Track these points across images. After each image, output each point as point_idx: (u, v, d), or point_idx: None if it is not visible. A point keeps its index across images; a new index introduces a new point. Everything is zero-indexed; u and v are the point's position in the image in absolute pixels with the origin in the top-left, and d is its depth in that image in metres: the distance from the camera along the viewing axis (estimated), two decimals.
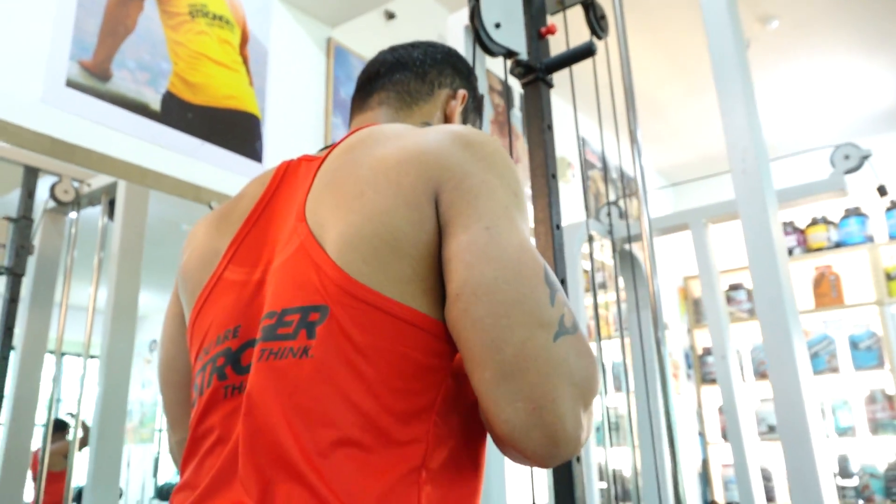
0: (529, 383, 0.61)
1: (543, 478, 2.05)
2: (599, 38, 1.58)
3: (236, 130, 2.09)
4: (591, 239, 2.49)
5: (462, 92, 0.96)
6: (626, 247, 2.59)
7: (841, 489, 4.23)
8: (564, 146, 3.71)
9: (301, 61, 2.38)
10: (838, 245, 4.50)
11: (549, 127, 1.32)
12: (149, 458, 2.57)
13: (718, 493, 4.59)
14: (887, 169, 4.60)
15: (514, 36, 1.28)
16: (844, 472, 4.25)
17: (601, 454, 2.81)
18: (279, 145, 2.23)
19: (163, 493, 2.58)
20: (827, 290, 4.48)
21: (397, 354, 0.66)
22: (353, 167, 0.74)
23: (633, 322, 2.68)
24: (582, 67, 1.42)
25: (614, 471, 3.51)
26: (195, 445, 0.75)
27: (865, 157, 2.14)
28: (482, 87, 1.59)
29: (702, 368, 4.78)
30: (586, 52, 1.30)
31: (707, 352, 4.80)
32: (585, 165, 4.09)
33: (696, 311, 4.93)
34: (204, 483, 0.70)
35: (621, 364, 3.00)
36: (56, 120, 1.68)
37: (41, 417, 1.92)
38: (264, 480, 0.65)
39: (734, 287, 4.78)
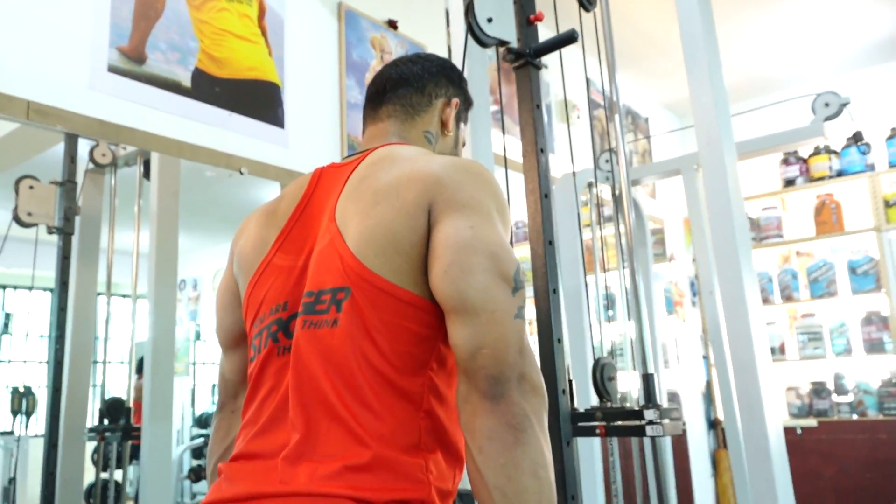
0: (491, 336, 0.84)
1: None
2: (587, 10, 1.74)
3: (260, 99, 2.28)
4: (590, 185, 2.68)
5: (455, 100, 1.17)
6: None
7: (836, 405, 4.50)
8: (571, 89, 3.84)
9: (315, 28, 2.55)
10: (840, 174, 4.63)
11: (539, 107, 1.50)
12: (186, 390, 2.86)
13: (721, 412, 4.89)
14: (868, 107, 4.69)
15: (504, 27, 1.45)
16: (840, 390, 4.51)
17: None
18: (299, 110, 2.42)
19: (201, 421, 2.88)
20: (827, 218, 4.63)
21: (400, 327, 0.90)
22: (372, 181, 0.96)
23: (632, 256, 2.90)
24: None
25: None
26: (254, 392, 0.99)
27: (844, 105, 2.29)
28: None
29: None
30: (570, 38, 1.48)
31: None
32: (591, 105, 4.22)
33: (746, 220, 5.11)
34: (262, 420, 0.95)
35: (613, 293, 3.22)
36: (102, 103, 1.89)
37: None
38: (309, 418, 0.89)
39: None
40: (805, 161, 4.77)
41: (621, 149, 1.74)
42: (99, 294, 2.24)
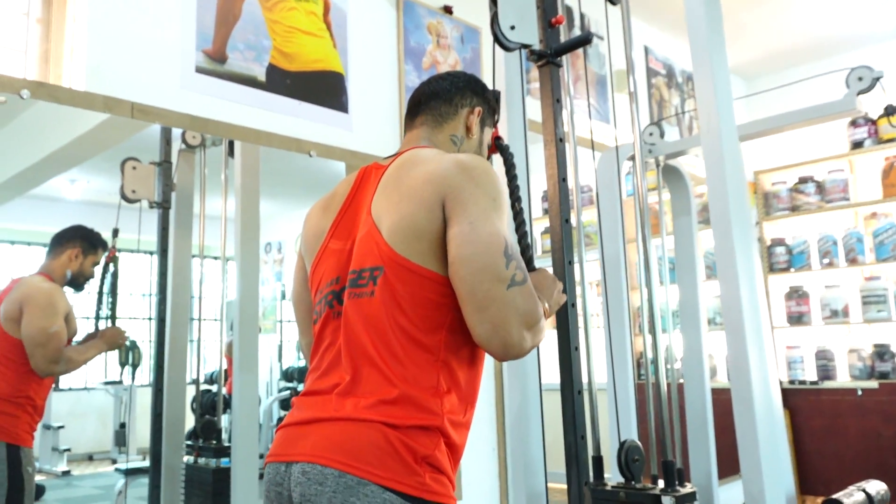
0: (491, 313, 1.10)
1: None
2: (614, 3, 1.92)
3: (326, 88, 2.56)
4: (632, 158, 2.84)
5: (478, 108, 1.43)
6: (670, 161, 2.93)
7: None
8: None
9: (374, 18, 2.79)
10: None
11: (558, 100, 1.71)
12: (273, 346, 3.17)
13: (782, 373, 4.97)
14: None
15: (526, 32, 1.66)
16: None
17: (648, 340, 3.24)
18: (361, 96, 2.69)
19: (287, 374, 3.19)
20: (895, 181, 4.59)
21: (421, 296, 1.17)
22: (398, 181, 1.24)
23: (676, 225, 3.05)
24: None
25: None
26: (317, 346, 1.29)
27: (877, 79, 2.37)
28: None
29: (770, 258, 5.05)
30: (586, 39, 1.67)
31: (775, 242, 5.05)
32: (649, 73, 4.31)
33: (765, 204, 5.14)
34: (323, 367, 1.25)
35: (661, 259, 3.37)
36: (192, 100, 2.21)
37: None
38: (354, 365, 1.18)
39: (803, 180, 4.95)
40: (874, 123, 4.71)
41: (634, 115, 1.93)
42: (193, 257, 2.55)
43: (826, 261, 4.82)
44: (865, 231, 4.75)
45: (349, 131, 2.63)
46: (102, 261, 2.31)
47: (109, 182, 2.34)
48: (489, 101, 1.46)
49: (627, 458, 1.62)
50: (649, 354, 2.00)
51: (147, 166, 2.39)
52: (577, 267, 1.70)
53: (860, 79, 2.40)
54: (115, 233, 2.33)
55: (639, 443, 1.67)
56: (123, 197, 2.35)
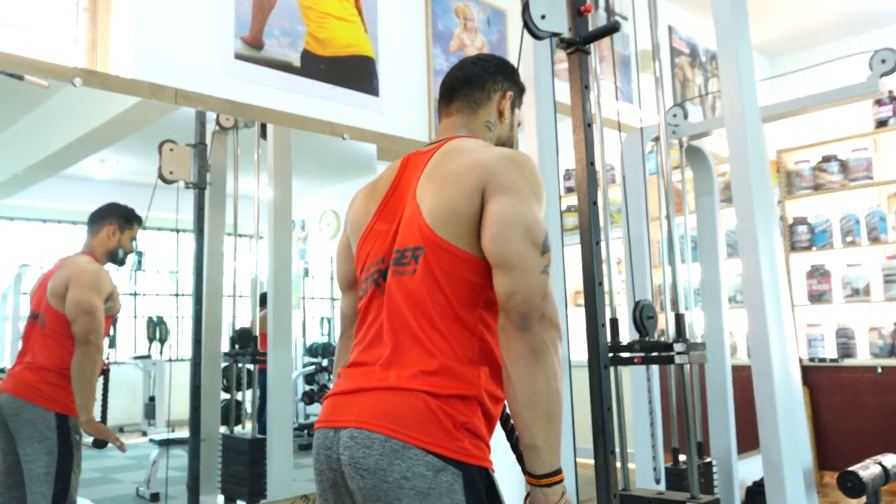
0: (525, 282, 1.18)
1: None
2: None
3: (357, 72, 2.64)
4: (656, 139, 2.90)
5: (509, 92, 1.49)
6: (693, 142, 2.99)
7: None
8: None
9: (404, 2, 2.86)
10: None
11: (587, 87, 1.78)
12: (297, 322, 3.25)
13: (803, 350, 5.02)
14: None
15: (557, 21, 1.73)
16: None
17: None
18: (391, 79, 2.77)
19: (311, 350, 3.27)
20: None
21: (458, 276, 1.25)
22: (442, 168, 1.32)
23: (699, 203, 3.11)
24: None
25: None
26: (363, 320, 1.38)
27: None
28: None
29: (791, 237, 5.07)
30: (613, 28, 1.74)
31: (798, 221, 5.07)
32: (673, 53, 4.34)
33: (788, 183, 5.16)
34: (367, 340, 1.34)
35: (683, 237, 3.42)
36: (231, 85, 2.30)
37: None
38: (397, 339, 1.27)
39: (826, 159, 4.96)
40: None
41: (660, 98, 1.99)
42: (227, 235, 2.61)
43: (848, 239, 4.84)
44: (889, 210, 4.76)
45: (380, 114, 2.71)
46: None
47: (137, 162, 2.43)
48: (518, 83, 1.52)
49: (642, 315, 1.71)
50: (671, 331, 2.08)
51: (183, 148, 2.45)
52: (602, 246, 1.77)
53: (883, 61, 2.43)
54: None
55: (651, 302, 1.76)
56: (161, 178, 2.41)
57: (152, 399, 2.70)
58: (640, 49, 4.05)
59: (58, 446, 2.13)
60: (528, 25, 1.69)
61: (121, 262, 2.33)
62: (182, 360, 2.52)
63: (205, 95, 2.23)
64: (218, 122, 2.53)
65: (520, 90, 1.54)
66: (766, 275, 1.72)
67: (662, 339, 1.75)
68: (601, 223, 1.77)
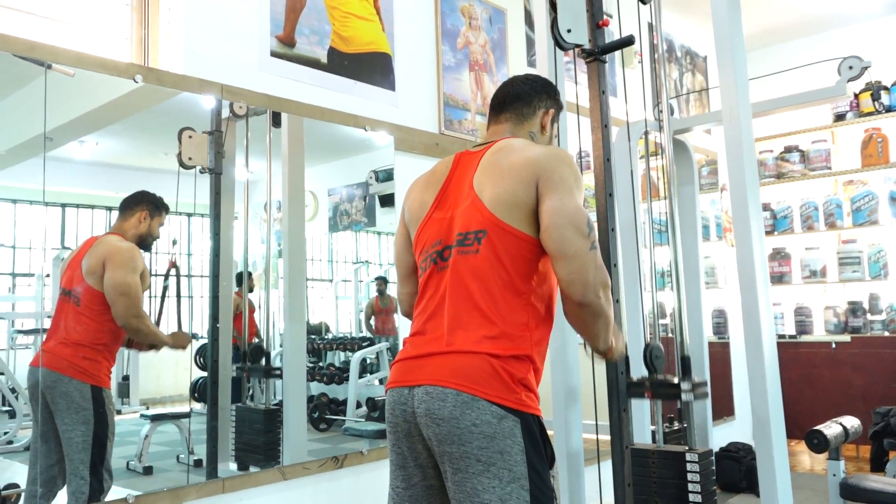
0: (576, 265, 1.44)
1: None
2: (644, 3, 2.23)
3: (377, 68, 2.84)
4: (647, 133, 3.17)
5: (551, 110, 1.75)
6: (677, 136, 3.26)
7: (870, 322, 4.97)
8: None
9: (417, 1, 3.06)
10: (889, 109, 4.94)
11: (604, 92, 2.03)
12: (275, 300, 3.31)
13: None
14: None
15: (579, 35, 1.97)
16: (874, 309, 4.97)
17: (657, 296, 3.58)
18: (406, 75, 2.98)
19: (312, 329, 3.40)
20: (874, 151, 4.97)
21: (516, 253, 1.50)
22: (498, 163, 1.56)
23: (681, 192, 3.40)
24: None
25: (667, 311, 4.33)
26: (423, 294, 1.62)
27: (866, 68, 2.71)
28: None
29: None
30: (628, 41, 1.99)
31: (764, 207, 5.44)
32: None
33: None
34: (430, 311, 1.58)
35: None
36: (268, 81, 2.49)
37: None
38: (459, 309, 1.51)
39: (788, 149, 5.32)
40: (856, 97, 5.07)
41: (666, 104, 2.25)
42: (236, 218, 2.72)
43: (807, 224, 5.22)
44: (844, 198, 5.15)
45: (396, 107, 2.92)
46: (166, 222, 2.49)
47: (118, 144, 2.48)
48: (558, 102, 1.78)
49: (651, 356, 1.99)
50: (648, 310, 2.34)
51: (201, 135, 2.58)
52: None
53: (850, 67, 2.73)
54: (174, 242, 2.54)
55: (659, 343, 2.03)
56: (181, 164, 2.53)
57: (126, 378, 2.76)
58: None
59: (94, 416, 2.27)
60: (557, 39, 1.93)
61: (147, 248, 2.44)
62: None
63: (245, 90, 2.42)
64: (232, 110, 2.70)
65: (559, 108, 1.79)
66: (758, 255, 2.00)
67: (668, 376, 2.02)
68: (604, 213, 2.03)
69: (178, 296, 2.55)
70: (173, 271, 2.55)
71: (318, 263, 3.39)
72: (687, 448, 2.05)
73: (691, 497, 2.01)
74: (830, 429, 2.70)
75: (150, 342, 2.47)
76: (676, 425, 3.03)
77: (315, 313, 3.36)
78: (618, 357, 1.76)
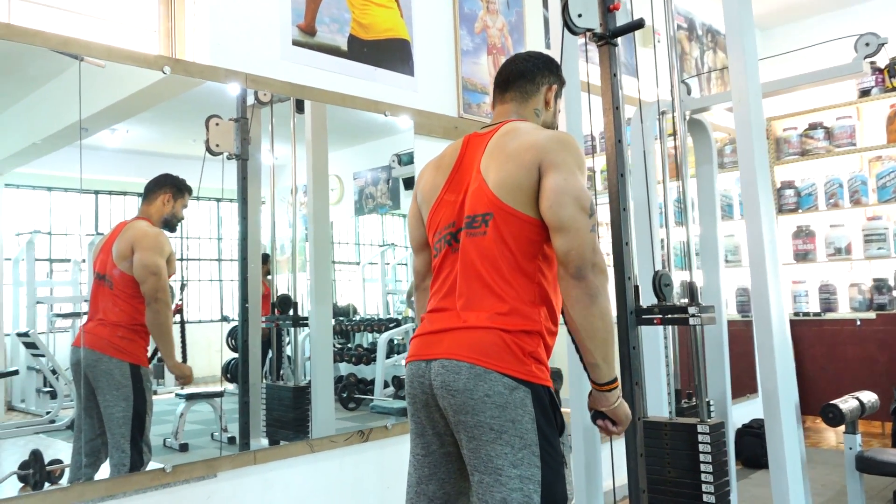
0: (577, 241, 1.49)
1: None
2: None
3: (396, 55, 2.91)
4: (663, 113, 3.20)
5: (554, 85, 1.80)
6: (695, 116, 3.29)
7: (895, 299, 4.95)
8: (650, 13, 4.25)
9: None
10: None
11: (615, 75, 2.07)
12: (302, 284, 3.41)
13: (788, 306, 5.40)
14: None
15: (590, 19, 2.01)
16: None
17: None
18: (424, 60, 3.04)
19: (335, 311, 3.49)
20: None
21: (521, 234, 1.56)
22: (503, 147, 1.61)
23: (699, 172, 3.42)
24: None
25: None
26: (438, 274, 1.69)
27: (882, 44, 2.71)
28: None
29: (779, 200, 5.42)
30: (638, 24, 2.03)
31: (785, 185, 5.41)
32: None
33: (777, 149, 5.48)
34: (444, 290, 1.65)
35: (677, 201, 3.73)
36: (290, 69, 2.57)
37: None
38: (472, 287, 1.58)
39: (813, 126, 5.28)
40: (881, 72, 5.02)
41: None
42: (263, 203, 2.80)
43: (832, 202, 5.19)
44: (870, 174, 5.11)
45: (415, 92, 2.99)
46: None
47: (147, 132, 2.57)
48: (560, 78, 1.83)
49: (660, 283, 2.04)
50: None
51: (227, 122, 2.65)
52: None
53: (867, 44, 2.73)
54: (183, 287, 2.64)
55: (667, 271, 2.07)
56: (209, 150, 2.61)
57: (161, 360, 2.94)
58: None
59: (133, 392, 2.40)
60: (568, 24, 1.97)
61: (172, 229, 2.53)
62: (189, 322, 2.70)
63: (270, 79, 2.50)
64: (256, 98, 2.78)
65: (561, 83, 1.84)
66: (767, 235, 2.04)
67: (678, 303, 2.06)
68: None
69: (183, 333, 2.65)
70: (177, 316, 2.64)
71: (346, 246, 3.48)
72: (699, 420, 2.12)
73: (703, 468, 2.07)
74: (846, 403, 2.73)
75: (159, 337, 2.54)
76: (694, 401, 3.08)
77: (343, 296, 3.45)
78: (624, 420, 1.64)
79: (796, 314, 5.30)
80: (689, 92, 3.23)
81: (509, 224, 1.57)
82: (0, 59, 2.04)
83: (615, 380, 1.58)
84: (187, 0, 2.44)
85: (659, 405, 2.73)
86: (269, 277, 2.94)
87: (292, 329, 2.95)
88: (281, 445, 2.57)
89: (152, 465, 2.31)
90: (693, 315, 1.99)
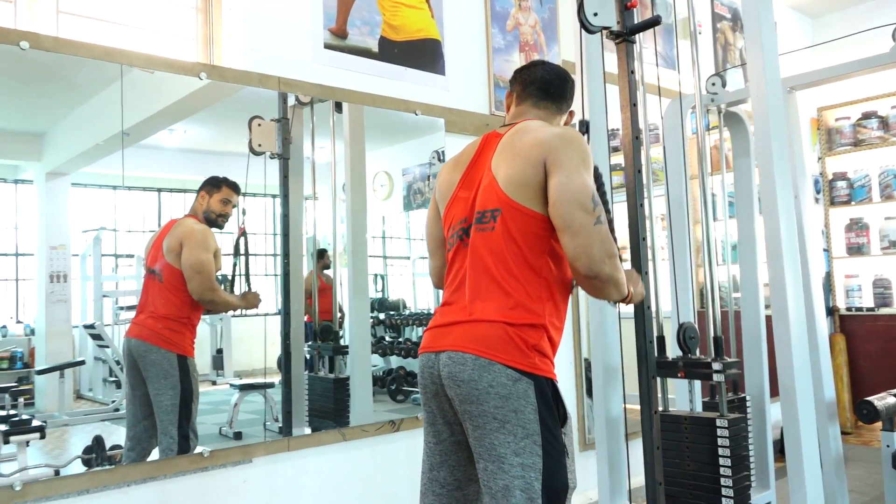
0: (581, 239, 1.53)
1: None
2: None
3: (427, 55, 2.97)
4: (695, 108, 3.18)
5: (571, 110, 1.86)
6: (731, 108, 3.25)
7: None
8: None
9: None
10: None
11: (632, 72, 2.10)
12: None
13: (840, 300, 5.27)
14: None
15: (606, 17, 2.03)
16: None
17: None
18: (455, 59, 3.10)
19: (372, 306, 3.56)
20: None
21: (528, 230, 1.61)
22: (513, 145, 1.67)
23: (736, 165, 3.39)
24: None
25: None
26: (451, 268, 1.76)
27: None
28: None
29: (831, 192, 5.28)
30: (655, 21, 2.04)
31: (837, 176, 5.27)
32: (715, 18, 4.54)
33: (828, 139, 5.34)
34: (455, 284, 1.72)
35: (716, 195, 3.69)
36: (322, 72, 2.67)
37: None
38: (480, 281, 1.64)
39: (866, 115, 5.12)
40: None
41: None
42: (306, 199, 2.85)
43: (886, 193, 5.04)
44: None
45: (447, 91, 3.05)
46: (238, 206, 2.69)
47: (204, 131, 2.68)
48: (573, 94, 1.89)
49: (685, 336, 2.06)
50: (709, 283, 2.39)
51: (269, 123, 2.75)
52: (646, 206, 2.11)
53: None
54: (244, 212, 2.73)
55: (692, 323, 2.09)
56: (251, 150, 2.71)
57: (220, 351, 3.02)
58: (681, 17, 4.28)
59: (180, 381, 2.53)
60: (583, 23, 2.00)
61: (217, 225, 2.64)
62: (245, 315, 2.82)
63: (302, 82, 2.60)
64: (297, 99, 2.88)
65: (573, 97, 1.90)
66: (785, 228, 2.03)
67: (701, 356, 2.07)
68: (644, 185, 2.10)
69: (247, 259, 2.75)
70: (242, 239, 2.73)
71: (397, 241, 3.55)
72: (718, 414, 2.13)
73: (721, 462, 2.08)
74: (883, 400, 2.68)
75: (224, 311, 2.71)
76: (730, 395, 3.06)
77: (394, 290, 3.51)
78: (638, 299, 1.83)
79: (849, 309, 5.16)
80: (724, 85, 3.20)
81: (517, 220, 1.62)
82: (61, 68, 2.18)
83: (628, 294, 1.70)
84: (224, 8, 2.55)
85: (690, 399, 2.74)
86: (327, 272, 3.04)
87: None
88: (314, 433, 2.68)
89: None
90: (717, 371, 2.03)
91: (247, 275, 2.77)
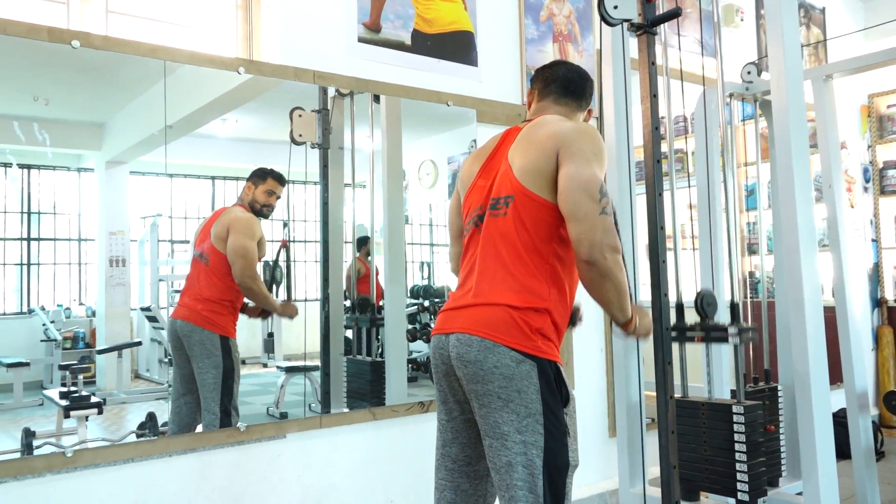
0: (587, 228, 1.59)
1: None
2: None
3: (459, 46, 3.04)
4: (731, 96, 3.17)
5: (591, 108, 1.93)
6: (767, 97, 3.23)
7: None
8: None
9: None
10: None
11: (653, 63, 2.13)
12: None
13: (889, 292, 5.14)
14: None
15: (627, 9, 2.07)
16: None
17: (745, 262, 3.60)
18: (489, 50, 3.16)
19: (413, 292, 3.54)
20: None
21: (538, 217, 1.68)
22: (530, 137, 1.75)
23: (772, 154, 3.37)
24: None
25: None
26: (465, 254, 1.84)
27: None
28: None
29: (881, 181, 5.15)
30: (675, 13, 2.07)
31: (888, 165, 5.13)
32: (758, 4, 4.47)
33: (879, 127, 5.20)
34: (467, 269, 1.80)
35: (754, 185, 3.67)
36: (356, 65, 2.76)
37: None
38: (490, 266, 1.72)
39: None
40: None
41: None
42: (346, 186, 2.93)
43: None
44: None
45: (479, 82, 3.12)
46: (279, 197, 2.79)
47: (255, 120, 2.78)
48: (592, 93, 1.96)
49: (703, 302, 2.11)
50: (726, 256, 2.41)
51: (310, 113, 2.83)
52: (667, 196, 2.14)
53: None
54: (285, 224, 2.83)
55: (711, 291, 2.14)
56: (292, 140, 2.81)
57: (271, 335, 3.18)
58: (723, 4, 4.24)
59: (222, 361, 2.66)
60: (604, 16, 2.05)
61: (262, 214, 2.76)
62: (294, 301, 2.88)
63: (336, 75, 2.70)
64: (337, 90, 2.97)
65: (592, 94, 1.96)
66: (802, 218, 2.04)
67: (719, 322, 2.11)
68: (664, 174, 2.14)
69: (289, 271, 2.87)
70: (283, 251, 2.85)
71: (443, 229, 3.64)
72: (734, 401, 2.16)
73: (737, 447, 2.12)
74: None
75: (261, 303, 2.82)
76: (762, 384, 3.07)
77: (439, 278, 3.58)
78: (643, 332, 1.82)
79: None
80: (759, 73, 3.18)
81: (528, 207, 1.69)
82: (112, 65, 2.31)
83: (630, 318, 1.73)
84: (263, 5, 2.67)
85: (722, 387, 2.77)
86: (370, 259, 3.14)
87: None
88: (345, 412, 2.79)
89: None
90: (733, 335, 2.07)
91: (288, 285, 2.88)
